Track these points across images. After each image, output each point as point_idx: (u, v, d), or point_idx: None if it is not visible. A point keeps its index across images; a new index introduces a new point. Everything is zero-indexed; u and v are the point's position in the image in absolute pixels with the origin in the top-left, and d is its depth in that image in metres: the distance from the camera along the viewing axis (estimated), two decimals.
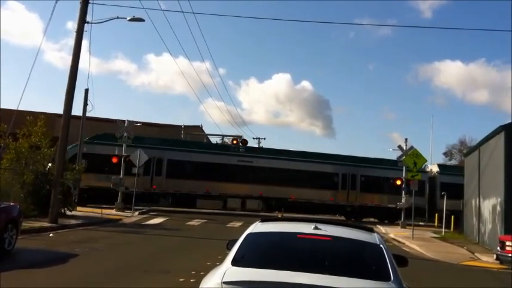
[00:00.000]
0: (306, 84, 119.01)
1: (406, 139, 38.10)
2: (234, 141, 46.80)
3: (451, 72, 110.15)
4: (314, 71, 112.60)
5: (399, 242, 26.10)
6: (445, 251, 22.54)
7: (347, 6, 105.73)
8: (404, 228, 34.11)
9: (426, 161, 29.75)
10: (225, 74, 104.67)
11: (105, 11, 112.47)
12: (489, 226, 25.79)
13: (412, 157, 27.94)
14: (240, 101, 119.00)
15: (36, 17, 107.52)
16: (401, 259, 6.42)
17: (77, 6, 22.73)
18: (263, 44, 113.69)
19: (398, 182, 36.39)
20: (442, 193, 33.79)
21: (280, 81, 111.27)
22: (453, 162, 68.07)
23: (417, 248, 23.05)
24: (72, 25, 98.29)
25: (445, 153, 70.36)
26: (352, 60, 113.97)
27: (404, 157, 32.22)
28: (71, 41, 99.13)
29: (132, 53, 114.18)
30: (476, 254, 22.03)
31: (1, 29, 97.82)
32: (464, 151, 51.81)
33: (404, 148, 36.84)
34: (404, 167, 34.08)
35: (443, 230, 32.30)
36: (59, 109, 33.19)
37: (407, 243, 25.08)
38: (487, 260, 19.99)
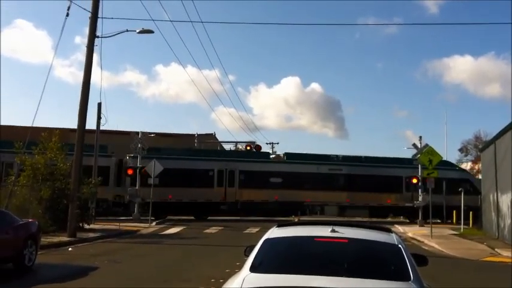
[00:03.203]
0: (315, 86, 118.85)
1: (420, 137, 37.95)
2: (248, 147, 46.91)
3: (460, 67, 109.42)
4: (323, 72, 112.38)
5: (418, 240, 25.93)
6: (465, 248, 22.36)
7: (351, 6, 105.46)
8: (422, 226, 33.91)
9: (442, 158, 29.57)
10: (234, 80, 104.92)
11: (112, 24, 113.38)
12: (508, 221, 25.54)
13: (427, 155, 27.79)
14: (251, 106, 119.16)
15: (44, 34, 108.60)
16: (421, 258, 6.40)
17: (85, 21, 23.03)
18: (270, 48, 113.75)
19: (415, 181, 36.27)
20: None
21: (289, 85, 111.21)
22: (469, 157, 67.51)
23: (436, 246, 22.88)
24: (80, 40, 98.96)
25: (460, 149, 69.75)
26: (360, 60, 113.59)
27: (419, 155, 32.05)
28: (80, 56, 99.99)
29: (140, 64, 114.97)
30: (496, 249, 21.83)
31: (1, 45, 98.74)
32: (480, 146, 51.45)
33: (419, 146, 36.64)
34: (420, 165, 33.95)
35: (461, 226, 32.04)
36: (71, 124, 33.45)
37: (426, 241, 24.91)
38: (508, 255, 19.76)
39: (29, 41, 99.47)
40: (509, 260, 18.72)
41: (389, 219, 41.28)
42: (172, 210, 37.42)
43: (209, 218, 37.88)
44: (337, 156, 42.74)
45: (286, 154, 42.83)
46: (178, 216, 37.18)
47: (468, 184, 40.66)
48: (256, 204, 39.29)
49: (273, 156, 43.44)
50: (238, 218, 38.80)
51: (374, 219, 37.39)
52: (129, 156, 37.42)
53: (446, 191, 38.33)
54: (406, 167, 41.19)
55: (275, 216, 38.62)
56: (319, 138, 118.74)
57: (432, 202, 39.63)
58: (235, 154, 44.70)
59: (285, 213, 39.43)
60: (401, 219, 42.23)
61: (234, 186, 39.07)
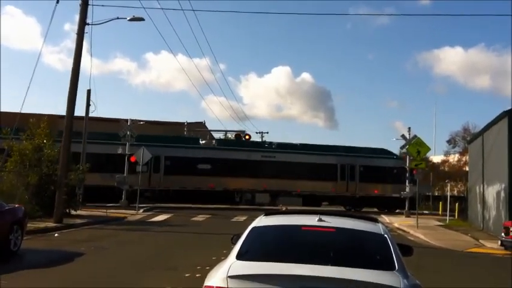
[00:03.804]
0: (306, 76, 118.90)
1: (409, 128, 38.22)
2: (237, 136, 46.84)
3: (451, 58, 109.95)
4: (313, 62, 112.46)
5: (404, 231, 26.12)
6: (450, 239, 22.56)
7: None
8: (409, 217, 34.17)
9: (430, 149, 29.80)
10: (225, 69, 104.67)
11: (103, 11, 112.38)
12: (493, 212, 25.81)
13: (416, 146, 27.95)
14: (241, 96, 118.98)
15: (34, 20, 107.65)
16: (406, 248, 6.47)
17: (75, 8, 22.96)
18: (261, 37, 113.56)
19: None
20: None
21: (280, 75, 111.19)
22: (457, 149, 67.81)
23: (422, 237, 23.08)
24: (69, 27, 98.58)
25: (448, 141, 69.94)
26: (351, 50, 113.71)
27: (407, 146, 32.23)
28: (70, 43, 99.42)
29: (131, 52, 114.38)
30: (480, 240, 22.05)
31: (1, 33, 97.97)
32: (468, 138, 51.78)
33: (408, 137, 36.83)
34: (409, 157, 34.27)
35: (447, 217, 32.33)
36: (60, 110, 33.15)
37: (412, 232, 25.10)
38: (492, 246, 20.00)
39: (18, 28, 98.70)
40: (493, 251, 18.96)
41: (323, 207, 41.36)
42: (98, 196, 34.21)
43: (196, 206, 37.55)
44: (270, 143, 42.35)
45: (217, 140, 41.56)
46: (102, 203, 32.90)
47: (405, 172, 40.97)
48: (182, 192, 37.82)
49: (203, 142, 41.28)
50: (228, 206, 38.63)
51: (308, 208, 36.47)
52: None
53: (382, 180, 39.13)
54: (341, 155, 41.31)
55: (205, 203, 37.67)
56: (309, 128, 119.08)
57: (363, 191, 40.13)
58: (161, 139, 40.15)
59: (213, 201, 38.40)
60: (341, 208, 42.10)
61: (160, 173, 37.77)
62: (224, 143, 41.40)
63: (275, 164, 39.70)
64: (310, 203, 40.01)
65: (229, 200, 39.68)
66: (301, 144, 42.88)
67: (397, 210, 39.14)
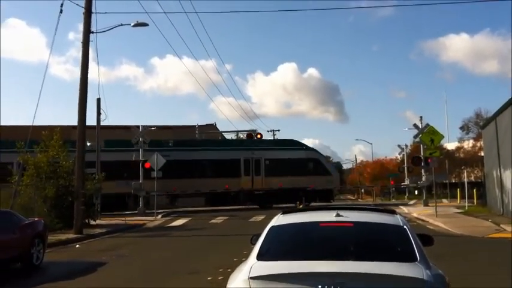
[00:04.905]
0: (312, 71, 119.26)
1: (420, 117, 38.02)
2: (249, 136, 46.78)
3: (456, 45, 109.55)
4: (319, 57, 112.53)
5: (423, 220, 26.00)
6: (470, 225, 22.40)
7: None
8: (427, 206, 33.99)
9: (443, 137, 29.57)
10: (231, 69, 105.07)
11: (106, 18, 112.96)
12: None
13: (429, 134, 27.74)
14: (249, 95, 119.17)
15: (37, 31, 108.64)
16: (427, 238, 6.42)
17: (78, 16, 22.95)
18: (265, 35, 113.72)
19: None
20: None
21: (287, 71, 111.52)
22: (471, 135, 67.38)
23: (442, 225, 22.93)
24: (74, 36, 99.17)
25: (461, 128, 69.55)
26: (355, 43, 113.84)
27: (420, 135, 32.04)
28: (75, 52, 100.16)
29: (137, 57, 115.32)
30: (501, 225, 21.87)
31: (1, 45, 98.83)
32: (481, 123, 51.39)
33: (420, 126, 36.63)
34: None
35: (466, 204, 32.09)
36: (72, 121, 33.16)
37: (431, 221, 24.97)
38: None
39: (22, 40, 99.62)
40: None
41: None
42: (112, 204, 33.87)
43: (213, 208, 37.50)
44: (166, 141, 39.98)
45: (105, 142, 36.48)
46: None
47: (317, 164, 39.78)
48: None
49: (89, 144, 34.26)
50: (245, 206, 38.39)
51: (214, 208, 35.42)
52: None
53: (291, 172, 37.87)
54: (245, 149, 40.10)
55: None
56: (320, 123, 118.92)
57: (271, 186, 38.80)
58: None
59: (102, 207, 31.25)
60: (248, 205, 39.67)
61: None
62: (112, 143, 36.92)
63: (170, 163, 35.94)
64: (214, 202, 38.71)
65: (120, 205, 35.91)
66: (201, 141, 41.59)
67: (312, 204, 36.76)
